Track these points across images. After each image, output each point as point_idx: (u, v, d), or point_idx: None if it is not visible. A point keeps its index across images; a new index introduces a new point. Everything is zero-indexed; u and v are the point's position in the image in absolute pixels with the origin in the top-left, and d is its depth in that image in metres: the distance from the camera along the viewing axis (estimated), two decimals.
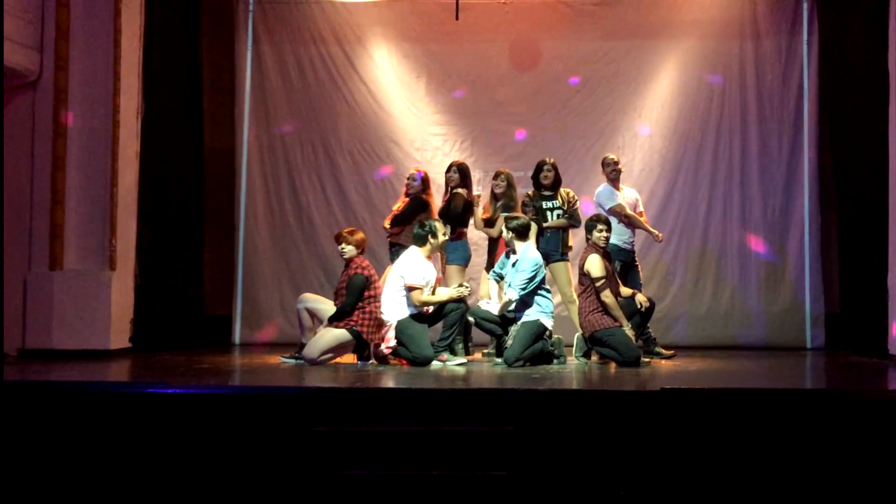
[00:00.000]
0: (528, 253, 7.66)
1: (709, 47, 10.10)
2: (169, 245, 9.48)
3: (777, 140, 9.98)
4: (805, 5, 9.90)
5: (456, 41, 10.27)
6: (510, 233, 7.72)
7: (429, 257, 7.77)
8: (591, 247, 7.76)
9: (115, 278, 8.35)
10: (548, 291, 7.79)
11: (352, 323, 7.58)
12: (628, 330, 7.59)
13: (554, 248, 8.30)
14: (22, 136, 8.15)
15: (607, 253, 7.84)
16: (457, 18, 9.56)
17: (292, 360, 7.72)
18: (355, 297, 7.61)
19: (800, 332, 9.79)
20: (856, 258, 9.34)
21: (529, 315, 7.63)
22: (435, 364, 7.56)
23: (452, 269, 8.32)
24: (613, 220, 8.21)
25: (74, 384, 6.07)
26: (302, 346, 7.79)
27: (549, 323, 7.71)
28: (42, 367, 7.22)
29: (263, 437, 5.51)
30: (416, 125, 10.28)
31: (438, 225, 7.79)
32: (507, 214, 7.98)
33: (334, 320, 7.65)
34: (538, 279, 7.64)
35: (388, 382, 6.57)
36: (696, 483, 5.44)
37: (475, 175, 9.83)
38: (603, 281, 7.60)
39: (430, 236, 7.70)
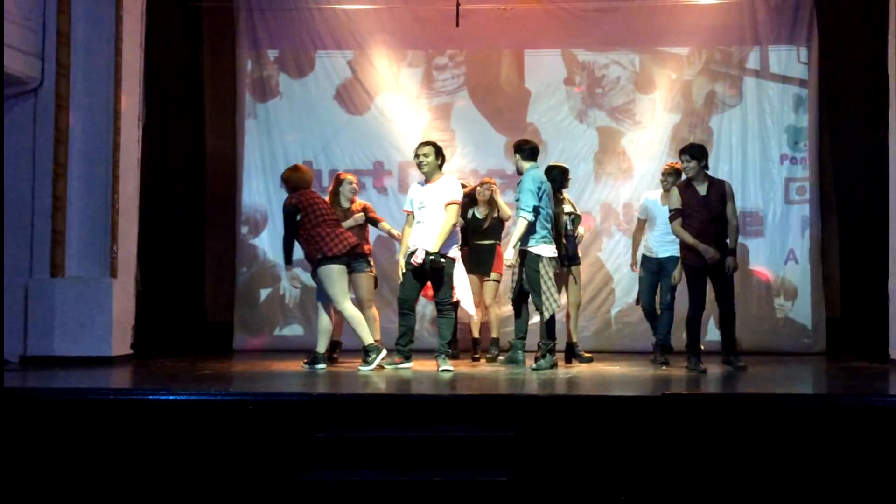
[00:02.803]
0: (531, 172, 7.68)
1: (708, 53, 10.13)
2: (170, 252, 9.48)
3: (777, 145, 9.99)
4: (805, 12, 9.91)
5: (457, 47, 10.29)
6: (518, 154, 7.76)
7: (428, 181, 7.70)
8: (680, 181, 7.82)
9: (117, 285, 8.35)
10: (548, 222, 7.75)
11: (323, 252, 7.59)
12: (708, 252, 7.45)
13: (574, 252, 8.39)
14: (23, 142, 8.16)
15: (690, 185, 7.63)
16: (457, 25, 9.58)
17: (319, 366, 7.66)
18: (288, 225, 7.71)
19: (801, 336, 9.79)
20: (857, 263, 9.33)
21: (531, 245, 7.59)
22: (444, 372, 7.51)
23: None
24: (661, 231, 8.29)
25: (76, 391, 6.07)
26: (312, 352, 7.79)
27: (551, 251, 7.68)
28: (44, 374, 7.23)
29: (264, 443, 5.52)
30: (416, 131, 10.28)
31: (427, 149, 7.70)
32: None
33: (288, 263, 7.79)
34: (544, 191, 7.63)
35: (390, 388, 6.57)
36: (697, 488, 5.44)
37: (474, 180, 9.88)
38: (674, 212, 7.58)
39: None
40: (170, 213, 9.53)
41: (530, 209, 7.48)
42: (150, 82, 9.00)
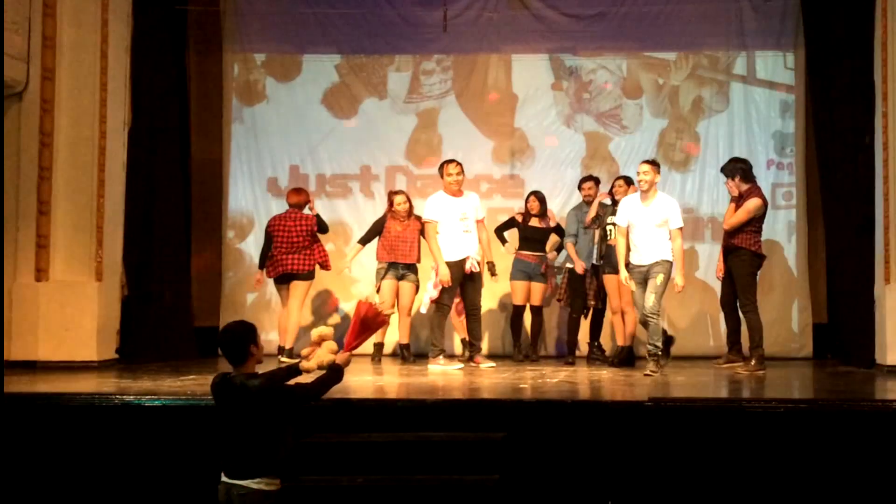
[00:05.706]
0: None
1: (695, 59, 10.16)
2: (156, 256, 9.43)
3: (764, 151, 10.02)
4: (792, 18, 9.95)
5: (444, 52, 10.29)
6: None
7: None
8: None
9: (102, 289, 8.31)
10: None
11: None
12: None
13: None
14: (8, 146, 8.11)
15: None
16: (444, 30, 9.59)
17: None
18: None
19: (787, 342, 9.81)
20: (843, 268, 9.35)
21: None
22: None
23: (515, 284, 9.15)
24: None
25: (60, 396, 6.03)
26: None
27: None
28: (28, 379, 7.18)
29: None
30: (404, 135, 10.27)
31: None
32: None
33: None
34: None
35: (379, 393, 6.56)
36: (684, 493, 5.44)
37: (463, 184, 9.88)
38: None
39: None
40: (155, 217, 9.46)
41: None
42: (136, 86, 8.97)
